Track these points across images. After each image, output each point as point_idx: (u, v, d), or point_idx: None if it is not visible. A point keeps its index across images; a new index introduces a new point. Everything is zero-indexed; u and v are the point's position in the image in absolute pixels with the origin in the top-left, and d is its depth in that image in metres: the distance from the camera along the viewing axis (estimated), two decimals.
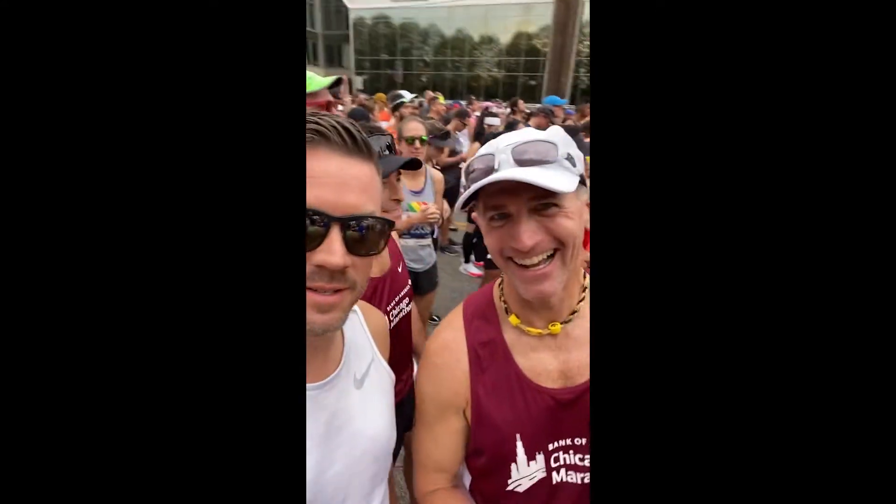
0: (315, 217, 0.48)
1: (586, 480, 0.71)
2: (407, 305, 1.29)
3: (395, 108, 4.78)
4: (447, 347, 0.76)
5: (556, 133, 0.67)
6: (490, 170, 0.63)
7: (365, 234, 0.53)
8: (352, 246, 0.51)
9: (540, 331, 0.73)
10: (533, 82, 23.52)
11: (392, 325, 1.20)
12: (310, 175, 0.48)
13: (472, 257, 4.13)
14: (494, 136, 0.80)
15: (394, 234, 1.40)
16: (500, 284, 0.80)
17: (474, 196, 0.65)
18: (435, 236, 2.61)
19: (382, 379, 0.73)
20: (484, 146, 0.68)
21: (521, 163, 0.62)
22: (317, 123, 0.51)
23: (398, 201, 1.20)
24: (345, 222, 0.50)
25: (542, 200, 0.62)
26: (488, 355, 0.74)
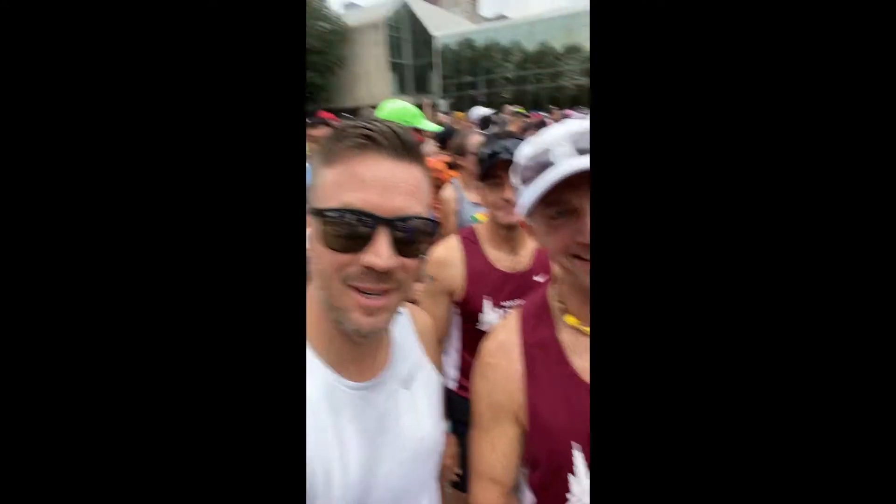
0: (363, 219, 0.50)
1: None
2: None
3: (484, 125, 4.85)
4: (501, 348, 0.74)
5: None
6: (547, 164, 0.61)
7: (412, 235, 0.53)
8: (399, 247, 0.52)
9: None
10: None
11: None
12: (360, 179, 0.51)
13: None
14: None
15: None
16: (554, 285, 0.76)
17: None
18: None
19: (429, 380, 0.73)
20: (525, 148, 0.66)
21: (582, 151, 0.59)
22: (368, 129, 0.52)
23: (508, 202, 1.15)
24: (392, 223, 0.51)
25: None
26: (542, 356, 0.71)
